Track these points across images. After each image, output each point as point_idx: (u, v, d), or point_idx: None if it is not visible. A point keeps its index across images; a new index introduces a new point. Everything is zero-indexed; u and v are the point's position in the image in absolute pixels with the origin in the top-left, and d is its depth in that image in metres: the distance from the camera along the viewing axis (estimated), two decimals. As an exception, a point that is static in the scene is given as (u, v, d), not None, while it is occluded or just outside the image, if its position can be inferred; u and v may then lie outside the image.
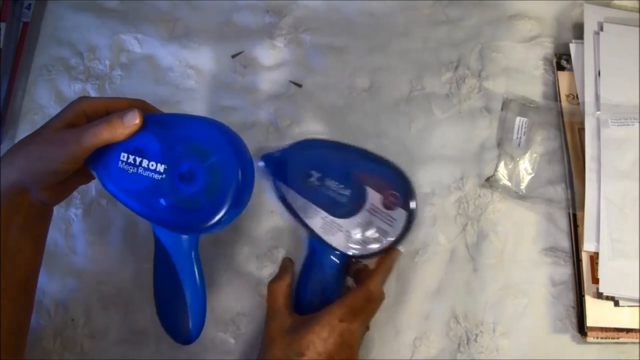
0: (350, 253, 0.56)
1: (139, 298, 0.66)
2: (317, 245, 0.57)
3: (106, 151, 0.51)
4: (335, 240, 0.56)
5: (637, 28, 0.68)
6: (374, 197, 0.56)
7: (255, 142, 0.70)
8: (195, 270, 0.52)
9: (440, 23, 0.73)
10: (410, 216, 0.55)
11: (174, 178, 0.50)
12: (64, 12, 0.77)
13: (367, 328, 0.58)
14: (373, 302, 0.55)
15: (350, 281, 0.60)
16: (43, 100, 0.74)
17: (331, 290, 0.57)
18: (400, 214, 0.55)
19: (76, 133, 0.50)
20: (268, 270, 0.65)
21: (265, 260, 0.66)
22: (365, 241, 0.56)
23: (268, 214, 0.67)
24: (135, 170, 0.50)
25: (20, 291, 0.53)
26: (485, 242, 0.65)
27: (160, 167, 0.50)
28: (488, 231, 0.65)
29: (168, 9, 0.76)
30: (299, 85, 0.72)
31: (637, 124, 0.65)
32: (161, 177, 0.50)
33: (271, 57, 0.74)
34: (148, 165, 0.50)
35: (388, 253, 0.57)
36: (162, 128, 0.51)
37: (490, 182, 0.66)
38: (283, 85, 0.72)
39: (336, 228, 0.56)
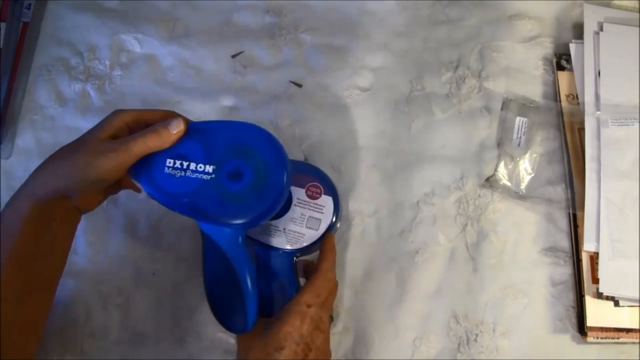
0: (293, 248, 0.60)
1: (139, 298, 0.66)
2: (263, 252, 0.60)
3: (150, 160, 0.54)
4: (277, 241, 0.60)
5: (637, 28, 0.68)
6: (298, 192, 0.61)
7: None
8: (248, 259, 0.55)
9: (440, 23, 0.73)
10: (336, 198, 0.61)
11: (222, 177, 0.53)
12: (64, 12, 0.77)
13: (332, 318, 0.59)
14: (331, 282, 0.58)
15: (302, 281, 0.61)
16: (43, 100, 0.74)
17: (290, 288, 0.59)
18: (326, 200, 0.61)
19: (125, 142, 0.53)
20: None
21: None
22: (303, 233, 0.60)
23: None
24: (183, 174, 0.54)
25: (44, 292, 0.56)
26: (485, 242, 0.65)
27: (209, 168, 0.54)
28: (488, 231, 0.65)
29: (168, 9, 0.76)
30: (299, 85, 0.72)
31: (637, 124, 0.65)
32: (210, 177, 0.53)
33: (271, 57, 0.74)
34: (196, 167, 0.54)
35: (327, 238, 0.60)
36: (203, 134, 0.55)
37: (490, 182, 0.66)
38: (283, 85, 0.72)
39: (273, 230, 0.60)
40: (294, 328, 0.54)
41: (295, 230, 0.60)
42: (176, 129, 0.54)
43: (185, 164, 0.54)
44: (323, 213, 0.61)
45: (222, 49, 0.74)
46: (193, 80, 0.74)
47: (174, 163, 0.54)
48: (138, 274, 0.66)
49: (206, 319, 0.64)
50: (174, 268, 0.66)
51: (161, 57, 0.75)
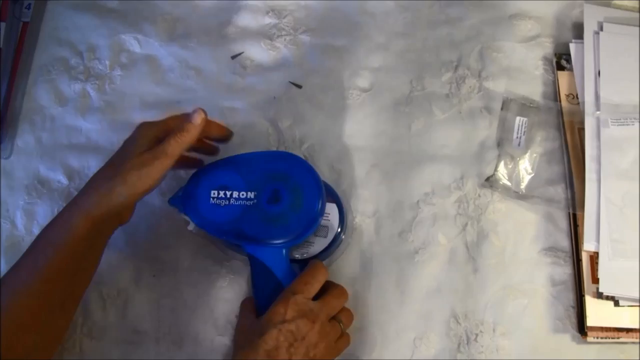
0: (303, 257, 0.62)
1: (138, 298, 0.65)
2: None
3: (196, 194, 0.60)
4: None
5: (637, 28, 0.68)
6: None
7: (255, 144, 0.70)
8: (292, 274, 0.59)
9: (440, 23, 0.73)
10: (340, 205, 0.63)
11: (263, 201, 0.58)
12: (64, 12, 0.77)
13: (341, 323, 0.58)
14: (319, 272, 0.58)
15: None
16: (43, 100, 0.74)
17: (287, 281, 0.60)
18: (331, 207, 0.63)
19: (163, 149, 0.57)
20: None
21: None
22: (312, 242, 0.62)
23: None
24: (227, 202, 0.59)
25: (75, 302, 0.59)
26: (485, 242, 0.64)
27: (251, 194, 0.59)
28: (488, 231, 0.65)
29: (168, 9, 0.76)
30: (299, 86, 0.72)
31: (637, 123, 0.65)
32: (252, 202, 0.59)
33: (271, 57, 0.74)
34: (239, 195, 0.59)
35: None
36: (240, 164, 0.60)
37: (490, 182, 0.66)
38: (283, 86, 0.72)
39: None
40: (277, 314, 0.54)
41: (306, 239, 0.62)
42: (199, 119, 0.58)
43: (228, 193, 0.59)
44: (329, 220, 0.62)
45: (222, 49, 0.74)
46: (193, 80, 0.74)
47: (218, 194, 0.59)
48: (138, 275, 0.66)
49: (205, 320, 0.64)
50: (173, 269, 0.66)
51: (161, 58, 0.75)
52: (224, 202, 0.59)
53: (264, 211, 0.58)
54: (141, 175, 0.56)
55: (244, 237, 0.58)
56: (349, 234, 0.66)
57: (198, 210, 0.59)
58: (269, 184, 0.59)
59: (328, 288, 0.59)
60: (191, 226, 0.61)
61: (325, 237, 0.62)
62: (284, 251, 0.59)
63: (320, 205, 0.58)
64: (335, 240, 0.62)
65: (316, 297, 0.58)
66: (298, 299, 0.55)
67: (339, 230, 0.63)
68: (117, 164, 0.57)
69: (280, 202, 0.58)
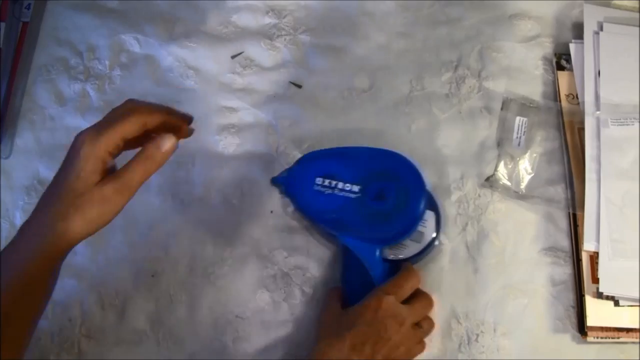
0: (396, 258, 0.62)
1: (137, 298, 0.65)
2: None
3: (301, 178, 0.62)
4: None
5: (637, 28, 0.68)
6: None
7: (255, 144, 0.70)
8: (384, 272, 0.60)
9: (440, 23, 0.73)
10: (438, 213, 0.63)
11: (367, 197, 0.59)
12: (64, 12, 0.77)
13: (420, 327, 0.59)
14: (412, 276, 0.60)
15: None
16: (43, 100, 0.74)
17: (377, 278, 0.60)
18: (429, 215, 0.62)
19: (124, 182, 0.50)
20: (269, 272, 0.65)
21: (265, 261, 0.66)
22: (406, 245, 0.62)
23: (268, 215, 0.67)
24: (331, 191, 0.61)
25: (31, 325, 0.53)
26: (485, 242, 0.64)
27: (355, 188, 0.60)
28: (488, 231, 0.65)
29: (168, 9, 0.76)
30: (299, 86, 0.72)
31: (637, 123, 0.65)
32: (356, 196, 0.60)
33: (271, 57, 0.74)
34: (344, 186, 0.60)
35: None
36: (349, 157, 0.62)
37: (490, 182, 0.66)
38: (283, 86, 0.72)
39: None
40: (369, 310, 0.56)
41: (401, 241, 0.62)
42: (168, 145, 0.51)
43: (333, 182, 0.61)
44: (426, 227, 0.62)
45: (222, 49, 0.74)
46: (193, 80, 0.74)
47: (323, 181, 0.61)
48: (137, 275, 0.66)
49: (205, 320, 0.64)
50: (172, 270, 0.66)
51: (161, 58, 0.75)
52: (327, 191, 0.60)
53: (367, 207, 0.59)
54: (102, 213, 0.50)
55: (342, 228, 0.60)
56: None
57: (300, 194, 0.61)
58: (376, 182, 0.60)
59: (417, 294, 0.61)
60: (290, 208, 0.63)
61: (419, 242, 0.62)
62: (378, 248, 0.60)
63: (422, 210, 0.59)
64: (429, 246, 0.62)
65: (405, 301, 0.59)
66: (390, 300, 0.57)
67: (434, 236, 0.62)
68: (71, 195, 0.50)
69: (385, 201, 0.59)
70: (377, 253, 0.60)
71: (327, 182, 0.60)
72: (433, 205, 0.63)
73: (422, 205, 0.59)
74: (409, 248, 0.62)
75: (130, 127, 0.51)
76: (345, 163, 0.61)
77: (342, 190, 0.60)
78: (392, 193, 0.59)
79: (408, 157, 0.61)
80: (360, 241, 0.59)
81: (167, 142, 0.51)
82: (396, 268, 0.61)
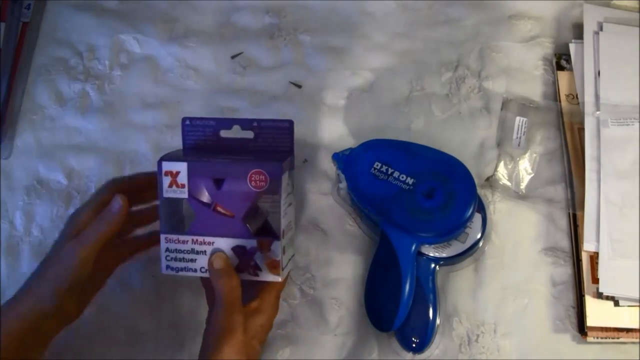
0: (438, 256, 0.62)
1: (137, 298, 0.65)
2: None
3: (361, 159, 0.62)
4: (423, 246, 0.62)
5: (637, 28, 0.68)
6: None
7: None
8: (414, 269, 0.60)
9: (440, 23, 0.73)
10: (484, 219, 0.63)
11: (418, 191, 0.60)
12: (64, 12, 0.77)
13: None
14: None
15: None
16: (42, 100, 0.74)
17: (428, 294, 0.61)
18: (475, 217, 0.62)
19: (80, 239, 0.55)
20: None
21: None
22: (450, 243, 0.62)
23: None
24: (386, 178, 0.61)
25: None
26: (485, 242, 0.64)
27: (410, 180, 0.60)
28: (488, 231, 0.65)
29: (168, 9, 0.76)
30: (299, 86, 0.72)
31: (637, 123, 0.65)
32: (408, 188, 0.60)
33: (271, 57, 0.74)
34: (399, 176, 0.61)
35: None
36: (410, 152, 0.62)
37: (490, 182, 0.66)
38: (283, 86, 0.72)
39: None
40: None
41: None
42: (116, 206, 0.57)
43: (390, 170, 0.61)
44: (471, 228, 0.62)
45: (222, 49, 0.74)
46: (193, 80, 0.74)
47: (381, 167, 0.61)
48: (136, 275, 0.66)
49: (205, 320, 0.64)
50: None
51: (161, 58, 0.75)
52: (382, 177, 0.61)
53: (415, 200, 0.59)
54: (58, 270, 0.55)
55: (386, 215, 0.60)
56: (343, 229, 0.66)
57: (356, 175, 0.62)
58: (429, 179, 0.60)
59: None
60: (342, 185, 0.64)
61: (464, 242, 0.62)
62: (416, 243, 0.60)
63: (467, 218, 0.59)
64: (473, 247, 0.62)
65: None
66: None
67: (479, 237, 0.63)
68: (57, 255, 0.56)
69: (432, 200, 0.59)
70: (413, 248, 0.60)
71: (384, 168, 0.61)
72: (480, 207, 0.63)
73: (468, 212, 0.59)
74: (453, 247, 0.62)
75: (111, 231, 0.57)
76: (405, 155, 0.62)
77: (396, 179, 0.60)
78: (440, 193, 0.59)
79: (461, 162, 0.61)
80: (399, 232, 0.60)
81: (114, 204, 0.57)
82: (434, 265, 0.62)
